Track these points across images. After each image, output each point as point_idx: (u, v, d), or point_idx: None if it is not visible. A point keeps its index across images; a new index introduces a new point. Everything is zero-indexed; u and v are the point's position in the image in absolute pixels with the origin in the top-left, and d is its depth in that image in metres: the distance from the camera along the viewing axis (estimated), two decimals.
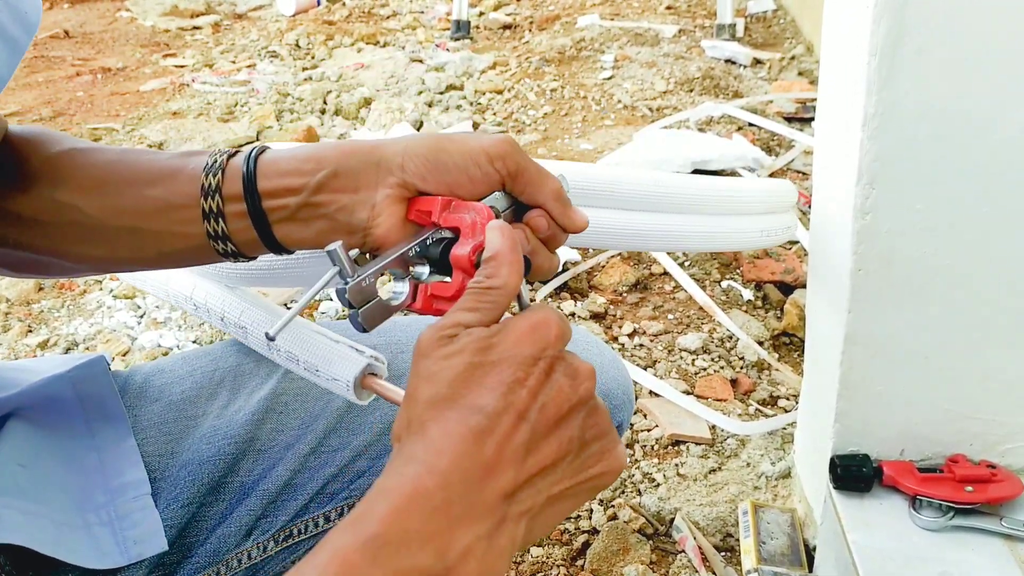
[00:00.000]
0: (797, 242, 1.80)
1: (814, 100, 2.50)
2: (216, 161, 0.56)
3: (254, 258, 0.59)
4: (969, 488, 0.87)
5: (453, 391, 0.42)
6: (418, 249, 0.53)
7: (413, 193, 0.54)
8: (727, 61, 3.00)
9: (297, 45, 3.58)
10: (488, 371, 0.42)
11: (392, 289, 0.53)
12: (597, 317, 1.67)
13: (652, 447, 1.35)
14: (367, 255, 0.55)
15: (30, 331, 1.78)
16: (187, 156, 0.58)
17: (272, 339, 0.52)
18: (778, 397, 1.44)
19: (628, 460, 0.49)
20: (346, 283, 0.49)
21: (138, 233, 0.57)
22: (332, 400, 0.72)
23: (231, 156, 0.57)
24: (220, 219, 0.56)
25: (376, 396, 0.64)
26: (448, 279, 0.52)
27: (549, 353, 0.44)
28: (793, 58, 2.98)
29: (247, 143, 2.57)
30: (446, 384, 0.42)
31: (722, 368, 1.51)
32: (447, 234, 0.53)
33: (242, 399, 0.72)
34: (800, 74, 2.81)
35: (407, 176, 0.54)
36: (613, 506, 1.23)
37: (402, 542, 0.38)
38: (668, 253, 1.83)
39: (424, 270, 0.53)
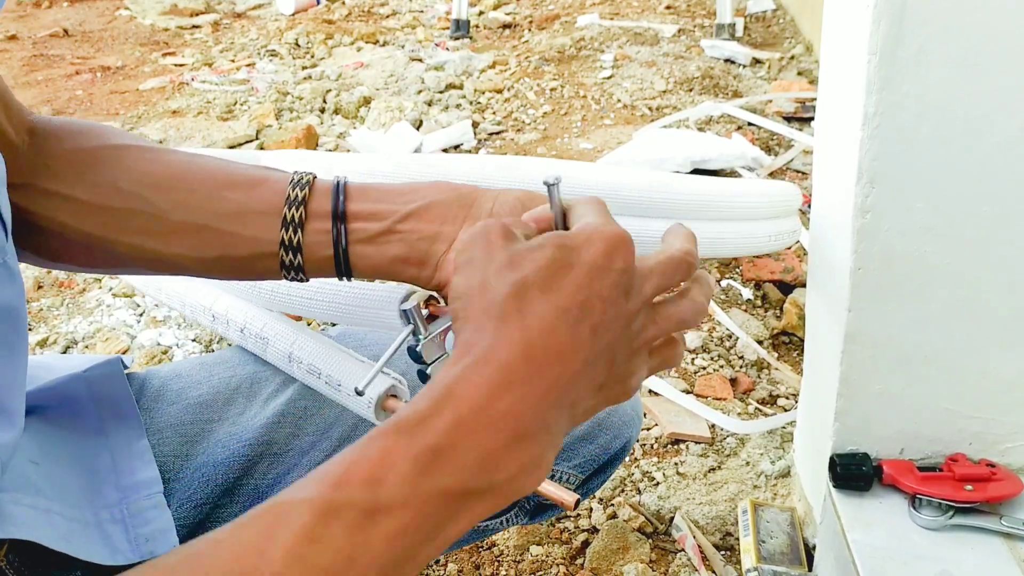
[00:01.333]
0: (797, 241, 1.81)
1: (813, 100, 2.50)
2: (303, 177, 0.58)
3: (307, 279, 0.59)
4: (969, 487, 0.87)
5: (544, 280, 0.41)
6: None
7: None
8: (726, 61, 3.00)
9: (296, 44, 3.58)
10: (577, 271, 0.42)
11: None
12: None
13: (652, 446, 1.35)
14: (433, 299, 0.59)
15: (29, 329, 1.78)
16: (268, 169, 0.60)
17: (361, 393, 0.57)
18: (777, 396, 1.45)
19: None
20: (418, 340, 0.53)
21: (205, 231, 0.58)
22: (348, 409, 0.72)
23: (316, 177, 0.59)
24: (299, 230, 0.56)
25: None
26: None
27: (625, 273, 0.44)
28: (792, 58, 2.98)
29: (246, 142, 2.57)
30: (533, 271, 0.42)
31: (722, 367, 1.51)
32: None
33: (258, 405, 0.73)
34: (799, 74, 2.81)
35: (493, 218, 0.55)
36: (613, 505, 1.23)
37: (458, 460, 0.38)
38: None
39: None
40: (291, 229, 0.57)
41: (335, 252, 0.57)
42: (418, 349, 0.53)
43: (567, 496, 0.54)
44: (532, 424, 0.40)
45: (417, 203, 0.56)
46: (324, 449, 0.71)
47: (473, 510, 0.39)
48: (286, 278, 0.59)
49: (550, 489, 0.55)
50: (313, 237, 0.57)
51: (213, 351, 1.58)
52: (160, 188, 0.58)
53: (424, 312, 0.57)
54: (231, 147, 2.55)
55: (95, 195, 0.58)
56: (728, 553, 1.15)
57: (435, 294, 0.59)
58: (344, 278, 0.59)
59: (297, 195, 0.57)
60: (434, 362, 0.54)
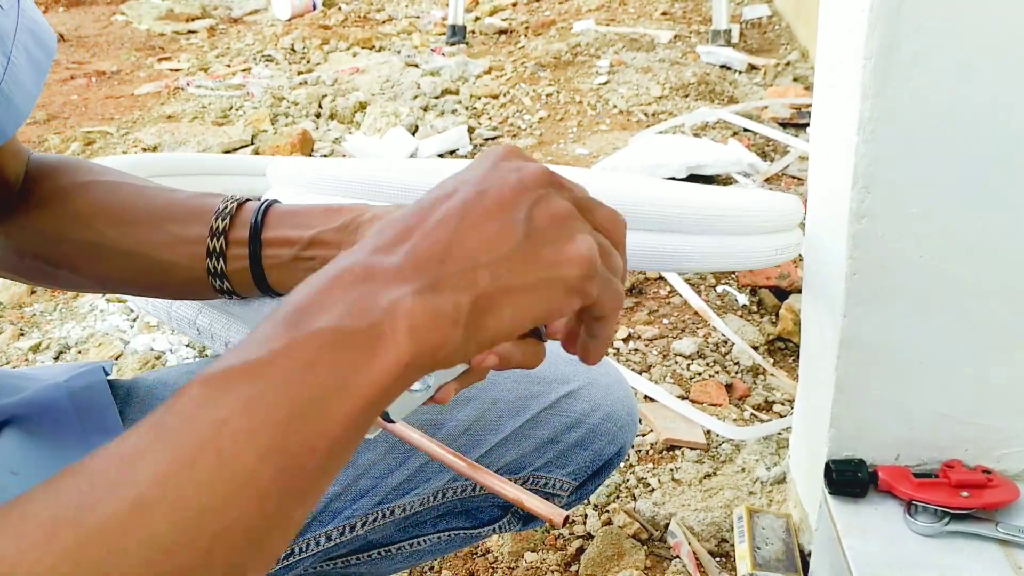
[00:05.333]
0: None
1: (809, 106, 2.50)
2: (227, 206, 0.62)
3: (246, 297, 0.64)
4: (965, 493, 0.87)
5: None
6: None
7: None
8: (722, 67, 3.00)
9: (292, 49, 3.58)
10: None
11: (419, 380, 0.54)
12: None
13: (647, 452, 1.34)
14: None
15: (22, 334, 1.77)
16: (205, 196, 0.64)
17: (393, 421, 0.52)
18: (773, 402, 1.44)
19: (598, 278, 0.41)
20: None
21: (146, 260, 0.63)
22: None
23: (242, 203, 0.63)
24: (221, 259, 0.61)
25: (381, 430, 0.64)
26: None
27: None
28: (788, 64, 2.98)
29: (242, 147, 2.56)
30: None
31: (717, 373, 1.51)
32: None
33: None
34: (795, 79, 2.82)
35: None
36: (608, 511, 1.23)
37: (321, 308, 0.36)
38: None
39: None
40: (215, 258, 0.61)
41: (255, 279, 0.61)
42: None
43: (555, 514, 0.52)
44: (387, 271, 0.37)
45: (319, 229, 0.59)
46: None
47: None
48: (228, 299, 0.63)
49: (538, 505, 0.54)
50: (235, 264, 0.61)
51: (207, 356, 1.58)
52: (111, 220, 0.63)
53: None
54: (226, 152, 2.55)
55: (59, 229, 0.64)
56: (723, 560, 1.15)
57: None
58: (276, 297, 0.63)
59: (219, 225, 0.61)
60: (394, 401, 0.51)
